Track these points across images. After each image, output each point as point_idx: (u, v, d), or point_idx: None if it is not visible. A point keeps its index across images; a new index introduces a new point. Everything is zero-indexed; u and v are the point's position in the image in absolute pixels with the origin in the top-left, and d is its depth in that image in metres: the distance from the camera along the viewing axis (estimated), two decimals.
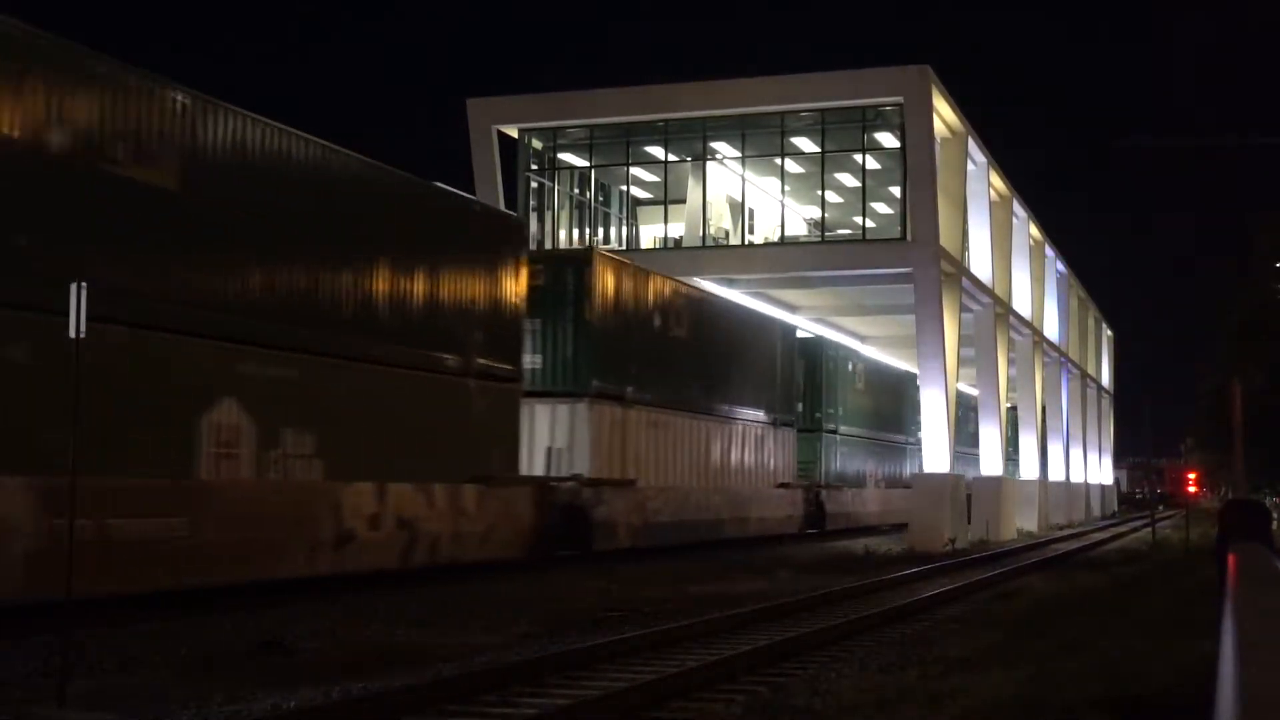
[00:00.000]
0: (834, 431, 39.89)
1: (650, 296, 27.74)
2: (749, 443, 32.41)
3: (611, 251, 32.55)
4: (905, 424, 48.36)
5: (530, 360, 23.91)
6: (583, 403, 24.57)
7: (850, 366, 42.24)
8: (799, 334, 38.10)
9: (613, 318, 25.79)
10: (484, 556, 20.82)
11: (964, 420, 49.55)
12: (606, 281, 25.63)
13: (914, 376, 47.86)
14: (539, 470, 24.13)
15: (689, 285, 30.78)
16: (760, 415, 33.13)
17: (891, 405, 47.28)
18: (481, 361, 21.31)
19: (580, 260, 25.99)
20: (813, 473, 37.82)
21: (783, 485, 34.37)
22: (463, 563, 20.22)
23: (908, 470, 47.12)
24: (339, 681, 10.75)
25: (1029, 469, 52.51)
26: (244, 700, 9.91)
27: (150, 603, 14.43)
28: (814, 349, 39.44)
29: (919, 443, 46.56)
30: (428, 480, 19.47)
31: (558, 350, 24.79)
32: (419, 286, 19.96)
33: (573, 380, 24.74)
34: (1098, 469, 79.96)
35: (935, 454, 36.24)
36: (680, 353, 28.83)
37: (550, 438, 24.56)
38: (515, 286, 22.61)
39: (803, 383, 37.61)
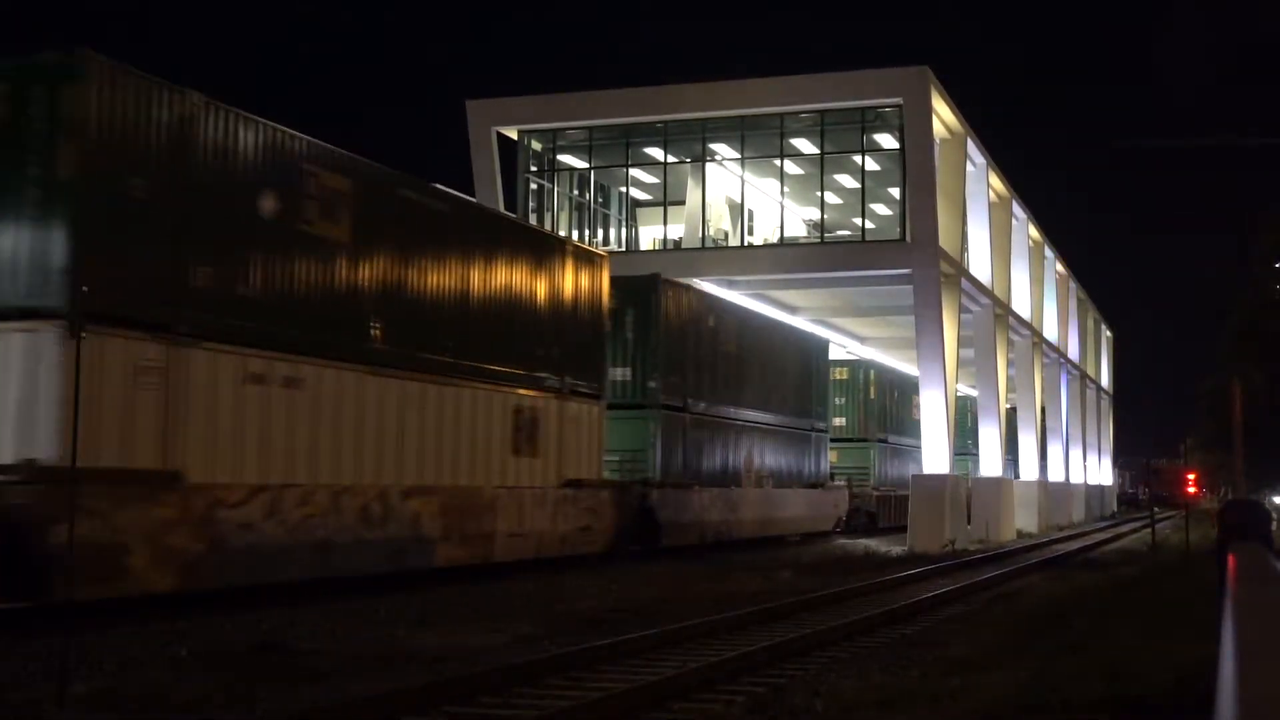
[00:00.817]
0: (681, 409, 28.03)
1: (253, 160, 16.26)
2: (502, 419, 21.24)
3: (610, 253, 31.94)
4: (810, 404, 36.75)
5: None
6: (49, 331, 13.80)
7: (712, 321, 30.20)
8: (626, 273, 27.92)
9: (134, 179, 14.73)
10: None
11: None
12: (120, 111, 14.51)
13: (825, 343, 39.99)
14: None
15: (373, 165, 18.82)
16: (532, 378, 22.31)
17: (791, 379, 35.27)
18: None
19: (56, 73, 14.26)
20: (643, 466, 26.70)
21: (573, 483, 23.27)
22: None
23: (814, 465, 36.91)
24: (339, 682, 10.76)
25: (1028, 470, 52.55)
26: (244, 701, 9.92)
27: (151, 603, 14.43)
28: (646, 290, 27.46)
29: (827, 430, 38.61)
30: None
31: (4, 235, 14.26)
32: None
33: (36, 289, 14.02)
34: (1097, 469, 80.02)
35: (935, 455, 36.28)
36: (339, 267, 17.69)
37: None
38: None
39: (632, 338, 27.00)
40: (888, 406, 45.98)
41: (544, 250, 23.53)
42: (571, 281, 24.10)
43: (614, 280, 26.13)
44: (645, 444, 26.99)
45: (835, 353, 44.46)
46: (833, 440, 40.38)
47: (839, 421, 42.97)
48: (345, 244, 17.86)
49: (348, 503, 17.42)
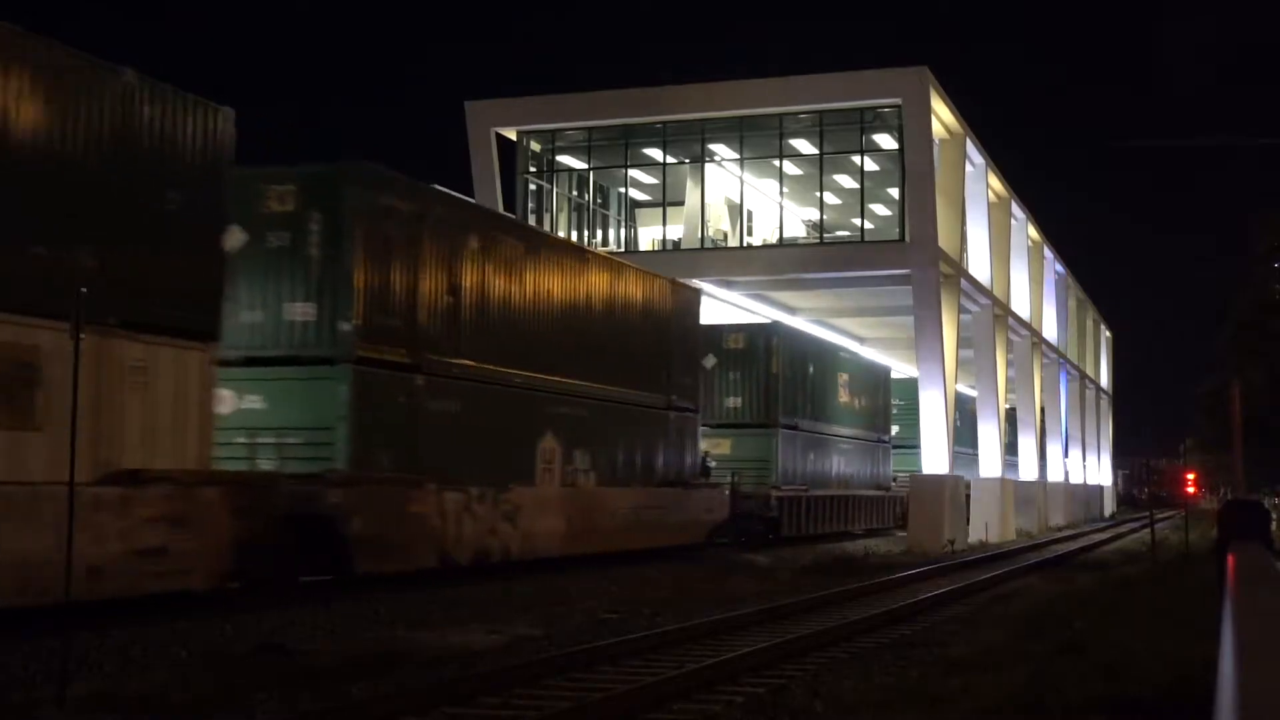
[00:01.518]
0: (409, 368, 18.71)
1: None
2: None
3: (609, 254, 31.70)
4: (669, 374, 26.97)
5: None
6: None
7: (475, 242, 20.48)
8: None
9: None
10: None
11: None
12: None
13: (694, 295, 30.02)
14: None
15: None
16: (30, 300, 12.79)
17: (637, 339, 25.79)
18: None
19: None
20: (327, 456, 17.33)
21: (130, 477, 13.69)
22: None
23: (674, 457, 27.03)
24: (339, 683, 10.76)
25: (1028, 470, 52.60)
26: (244, 702, 9.92)
27: (151, 604, 14.42)
28: (333, 186, 18.00)
29: (698, 410, 28.41)
30: None
31: None
32: None
33: None
34: (1096, 470, 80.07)
35: (934, 455, 36.30)
36: None
37: None
38: None
39: (318, 257, 17.65)
40: (800, 384, 35.16)
41: (59, 74, 13.12)
42: (140, 138, 14.02)
43: (285, 171, 17.98)
44: (333, 419, 17.58)
45: (734, 315, 37.95)
46: (724, 426, 32.24)
47: (733, 402, 33.27)
48: None
49: None
